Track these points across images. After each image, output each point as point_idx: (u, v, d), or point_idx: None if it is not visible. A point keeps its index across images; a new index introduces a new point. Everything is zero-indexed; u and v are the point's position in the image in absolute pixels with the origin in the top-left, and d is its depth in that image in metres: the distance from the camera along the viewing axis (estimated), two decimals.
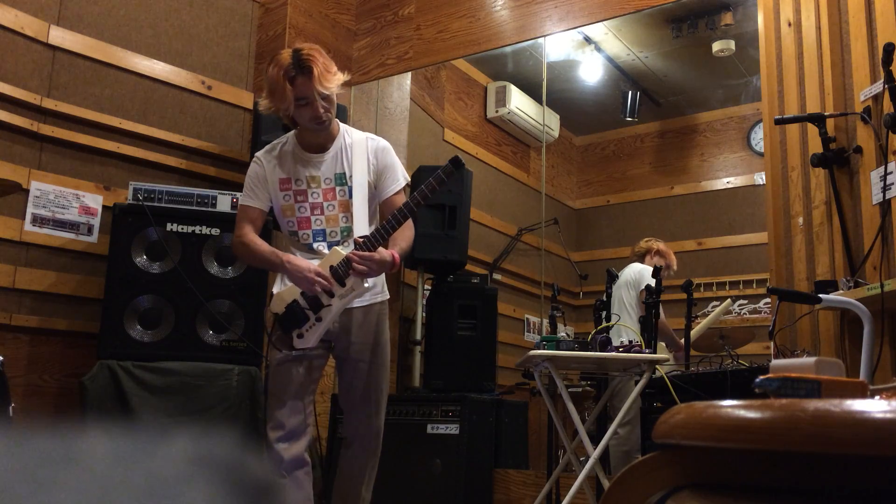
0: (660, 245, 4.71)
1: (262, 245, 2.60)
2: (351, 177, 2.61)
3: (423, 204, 2.51)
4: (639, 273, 4.43)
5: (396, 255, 2.50)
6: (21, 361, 3.61)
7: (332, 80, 2.50)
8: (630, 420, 3.85)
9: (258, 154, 2.69)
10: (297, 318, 2.54)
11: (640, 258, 4.67)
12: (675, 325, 4.35)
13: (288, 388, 2.55)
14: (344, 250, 2.52)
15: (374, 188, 2.65)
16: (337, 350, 2.68)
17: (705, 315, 4.44)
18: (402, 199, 2.64)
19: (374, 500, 2.77)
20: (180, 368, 3.43)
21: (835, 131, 3.07)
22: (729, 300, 4.71)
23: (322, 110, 2.51)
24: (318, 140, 2.63)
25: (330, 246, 2.58)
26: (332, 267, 2.50)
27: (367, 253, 2.46)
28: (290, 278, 2.53)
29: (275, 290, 2.62)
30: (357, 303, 2.60)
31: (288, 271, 2.51)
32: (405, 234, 2.57)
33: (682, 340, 4.20)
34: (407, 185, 2.75)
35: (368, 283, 2.54)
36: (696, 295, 3.86)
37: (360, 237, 2.50)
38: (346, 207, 2.60)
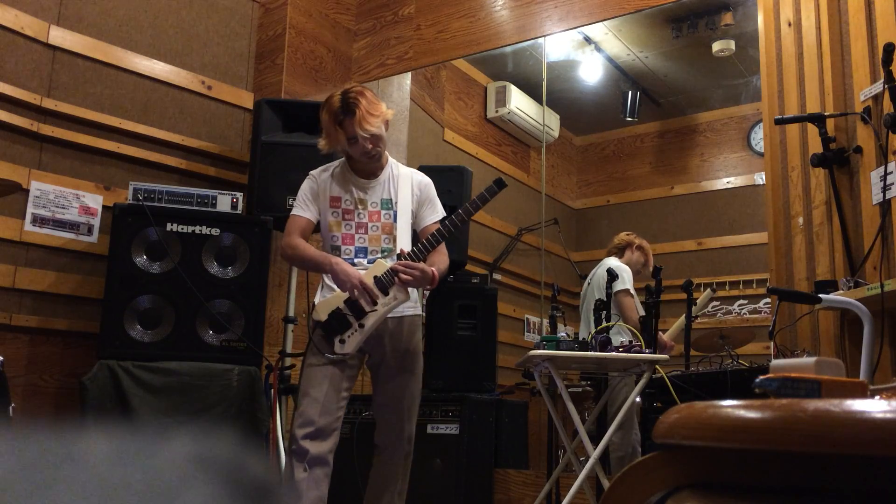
0: (642, 241, 4.64)
1: (311, 248, 2.80)
2: (396, 203, 2.81)
3: (466, 221, 2.71)
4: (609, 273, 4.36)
5: (436, 272, 2.68)
6: (21, 361, 3.61)
7: (373, 122, 2.68)
8: (623, 424, 3.83)
9: (312, 172, 2.90)
10: (341, 324, 2.68)
11: (620, 252, 4.57)
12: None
13: (322, 389, 2.66)
14: (388, 262, 2.68)
15: (415, 217, 2.84)
16: (373, 359, 2.82)
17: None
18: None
19: None
20: (180, 368, 3.43)
21: (835, 131, 3.07)
22: (709, 290, 4.65)
23: (370, 146, 2.72)
24: (368, 168, 2.83)
25: (370, 262, 2.74)
26: (376, 277, 2.66)
27: (411, 262, 2.64)
28: (334, 279, 2.69)
29: (317, 299, 2.78)
30: (396, 314, 2.76)
31: (335, 272, 2.67)
32: (442, 259, 2.77)
33: (665, 336, 4.19)
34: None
35: (410, 294, 2.72)
36: (695, 295, 3.86)
37: (407, 250, 2.69)
38: (390, 230, 2.78)
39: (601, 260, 4.71)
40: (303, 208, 2.82)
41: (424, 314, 4.52)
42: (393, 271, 2.64)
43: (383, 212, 2.80)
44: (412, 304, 2.82)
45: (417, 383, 2.83)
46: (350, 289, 2.63)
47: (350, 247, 2.77)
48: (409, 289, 2.72)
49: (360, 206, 2.80)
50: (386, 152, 2.87)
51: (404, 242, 2.76)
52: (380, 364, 2.79)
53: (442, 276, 2.76)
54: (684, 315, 4.13)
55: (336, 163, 2.90)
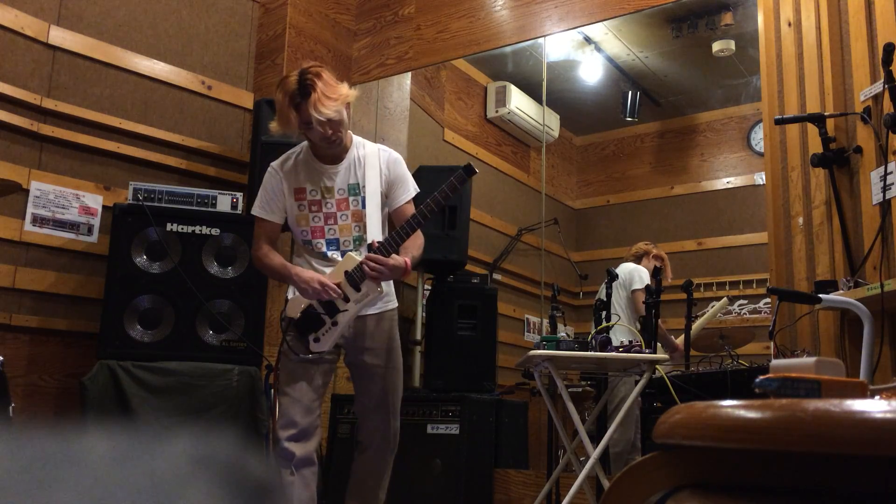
0: (660, 251, 4.70)
1: (274, 259, 2.69)
2: (364, 187, 2.68)
3: (436, 211, 2.56)
4: (629, 273, 4.42)
5: (409, 262, 2.57)
6: (21, 361, 3.61)
7: (330, 106, 2.53)
8: (621, 421, 3.84)
9: (273, 164, 2.76)
10: (314, 322, 2.61)
11: (637, 259, 4.65)
12: (676, 326, 4.35)
13: (301, 388, 2.60)
14: (358, 256, 2.59)
15: (386, 198, 2.72)
16: (350, 357, 2.76)
17: (703, 314, 4.42)
18: (412, 209, 2.71)
19: None
20: (180, 368, 3.43)
21: (835, 131, 3.07)
22: (725, 299, 4.68)
23: (329, 131, 2.57)
24: (331, 153, 2.69)
25: (343, 254, 2.65)
26: (346, 272, 2.58)
27: (380, 257, 2.52)
28: (298, 290, 2.61)
29: (289, 295, 2.70)
30: (370, 310, 2.68)
31: (296, 284, 2.61)
32: (416, 243, 2.65)
33: (678, 341, 4.21)
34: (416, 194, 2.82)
35: (383, 288, 2.62)
36: (696, 295, 3.86)
37: (376, 242, 2.57)
38: (359, 217, 2.67)
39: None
40: (267, 210, 2.71)
41: (425, 314, 4.54)
42: (363, 269, 2.54)
43: (351, 198, 2.67)
44: (389, 298, 2.74)
45: (399, 378, 2.75)
46: (315, 295, 2.55)
47: (321, 240, 2.67)
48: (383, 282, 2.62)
49: (326, 195, 2.67)
50: (350, 132, 2.72)
51: (375, 229, 2.65)
52: (360, 362, 2.72)
53: (416, 261, 2.65)
54: (700, 321, 4.17)
55: (297, 148, 2.76)
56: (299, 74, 2.55)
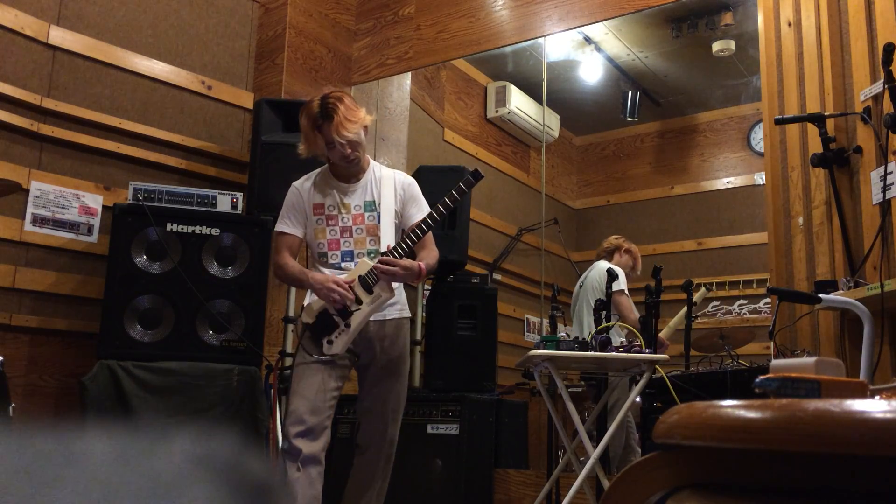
0: (631, 245, 4.69)
1: (293, 267, 2.84)
2: (380, 204, 2.82)
3: (445, 214, 2.71)
4: (605, 274, 4.39)
5: (423, 266, 2.70)
6: (21, 361, 3.61)
7: (351, 129, 2.70)
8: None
9: (295, 183, 2.93)
10: (328, 325, 2.70)
11: (609, 255, 4.63)
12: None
13: (312, 388, 2.68)
14: (371, 261, 2.70)
15: (400, 217, 2.85)
16: (362, 361, 2.84)
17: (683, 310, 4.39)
18: None
19: None
20: (180, 368, 3.43)
21: (835, 131, 3.07)
22: (703, 289, 4.66)
23: (348, 151, 2.74)
24: (349, 172, 2.85)
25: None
26: (360, 276, 2.69)
27: (392, 258, 2.65)
28: (315, 293, 2.75)
29: (306, 301, 2.82)
30: (383, 316, 2.79)
31: (311, 285, 2.74)
32: (431, 254, 2.79)
33: (661, 335, 4.18)
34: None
35: (395, 294, 2.74)
36: (695, 295, 3.86)
37: (390, 246, 2.70)
38: (374, 231, 2.80)
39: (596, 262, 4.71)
40: (288, 224, 2.86)
41: (425, 314, 4.54)
42: (376, 269, 2.66)
43: (367, 213, 2.81)
44: (400, 306, 2.85)
45: (403, 386, 2.85)
46: (326, 295, 2.66)
47: (336, 252, 2.80)
48: (395, 287, 2.74)
49: (343, 210, 2.82)
50: (367, 155, 2.89)
51: (389, 242, 2.77)
52: (368, 366, 2.82)
53: (430, 269, 2.78)
54: (680, 313, 4.14)
55: (318, 170, 2.93)
56: (321, 99, 2.73)
